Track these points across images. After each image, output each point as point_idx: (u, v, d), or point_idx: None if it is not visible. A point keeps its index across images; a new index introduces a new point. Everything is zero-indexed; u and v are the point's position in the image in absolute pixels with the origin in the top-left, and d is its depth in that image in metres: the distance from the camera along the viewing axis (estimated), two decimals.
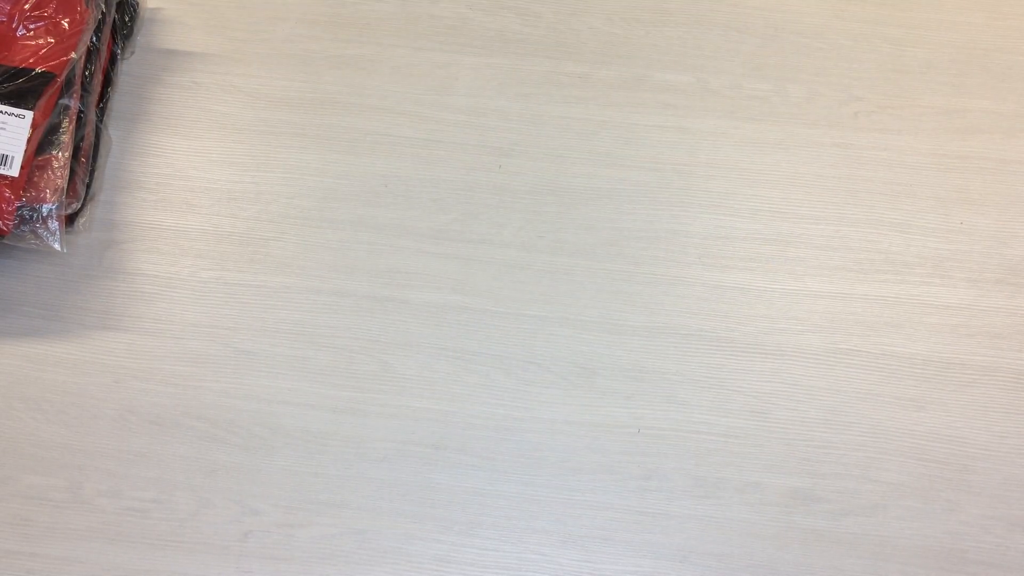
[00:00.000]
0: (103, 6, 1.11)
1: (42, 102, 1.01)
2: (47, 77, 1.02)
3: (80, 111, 1.05)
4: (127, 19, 1.17)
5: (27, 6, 1.05)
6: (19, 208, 0.98)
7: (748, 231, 1.10)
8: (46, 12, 1.05)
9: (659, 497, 0.97)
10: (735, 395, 1.02)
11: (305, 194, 1.11)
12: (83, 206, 1.06)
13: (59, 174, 1.01)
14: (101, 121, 1.12)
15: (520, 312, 1.05)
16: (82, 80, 1.06)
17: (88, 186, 1.07)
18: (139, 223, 1.09)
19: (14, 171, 0.98)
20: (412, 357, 1.03)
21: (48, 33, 1.04)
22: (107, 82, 1.14)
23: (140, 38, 1.20)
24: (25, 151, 0.99)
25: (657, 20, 1.20)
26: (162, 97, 1.17)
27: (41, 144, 1.01)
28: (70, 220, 1.06)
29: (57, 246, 1.00)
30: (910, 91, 1.18)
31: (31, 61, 1.02)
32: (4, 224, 0.97)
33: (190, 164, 1.13)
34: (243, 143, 1.14)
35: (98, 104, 1.11)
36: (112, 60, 1.15)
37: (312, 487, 0.98)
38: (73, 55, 1.04)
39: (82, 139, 1.06)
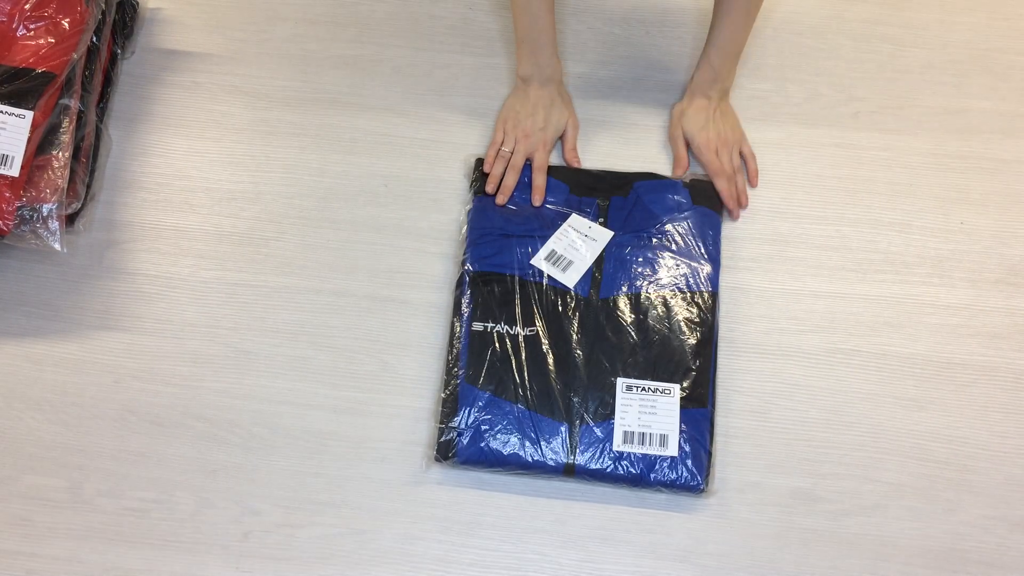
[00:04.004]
0: (103, 6, 1.11)
1: (42, 102, 1.01)
2: (47, 77, 1.02)
3: (80, 111, 1.05)
4: (127, 19, 1.18)
5: (27, 6, 1.05)
6: (19, 208, 0.98)
7: (748, 231, 1.10)
8: (46, 12, 1.05)
9: (659, 497, 0.97)
10: (735, 395, 1.02)
11: (305, 194, 1.11)
12: (83, 206, 1.06)
13: (59, 174, 1.01)
14: (101, 121, 1.12)
15: None
16: (82, 80, 1.06)
17: (88, 186, 1.07)
18: (139, 223, 1.09)
19: (14, 171, 0.98)
20: (412, 357, 1.03)
21: (48, 33, 1.04)
22: (107, 82, 1.14)
23: (140, 38, 1.20)
24: (25, 151, 0.99)
25: (657, 20, 1.20)
26: (162, 97, 1.17)
27: (41, 144, 1.01)
28: (70, 220, 1.06)
29: (57, 246, 1.00)
30: (910, 91, 1.18)
31: (31, 61, 1.02)
32: (4, 224, 0.97)
33: (190, 164, 1.13)
34: (243, 143, 1.14)
35: (98, 104, 1.11)
36: (112, 60, 1.15)
37: (312, 487, 0.98)
38: (73, 55, 1.04)
39: (82, 139, 1.06)
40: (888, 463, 0.99)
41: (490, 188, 1.08)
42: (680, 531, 0.96)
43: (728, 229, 1.09)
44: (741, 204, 1.11)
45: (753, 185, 1.13)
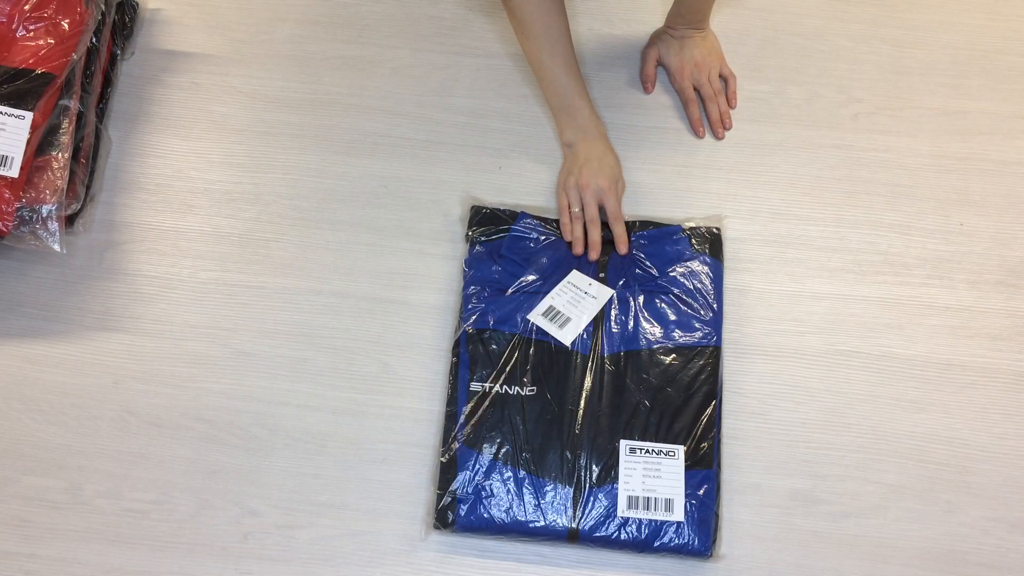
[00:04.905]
0: (103, 7, 1.11)
1: (42, 103, 1.01)
2: (47, 78, 1.02)
3: (80, 112, 1.05)
4: (127, 19, 1.17)
5: (27, 7, 1.05)
6: (19, 209, 0.98)
7: (748, 232, 1.10)
8: (46, 13, 1.05)
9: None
10: (735, 396, 1.02)
11: (305, 195, 1.11)
12: (83, 207, 1.06)
13: (59, 175, 1.01)
14: (101, 122, 1.11)
15: None
16: (82, 81, 1.06)
17: (88, 187, 1.07)
18: (139, 224, 1.09)
19: (14, 172, 0.98)
20: (412, 358, 1.03)
21: (48, 34, 1.04)
22: (107, 83, 1.14)
23: (140, 38, 1.20)
24: (25, 152, 0.99)
25: (657, 22, 1.20)
26: (162, 98, 1.16)
27: (41, 145, 1.01)
28: (70, 221, 1.06)
29: (57, 247, 1.00)
30: (910, 93, 1.18)
31: (31, 62, 1.02)
32: (4, 225, 0.97)
33: (190, 165, 1.13)
34: (243, 144, 1.14)
35: (98, 105, 1.11)
36: (112, 61, 1.15)
37: (312, 488, 0.97)
38: (73, 56, 1.04)
39: (82, 140, 1.06)
40: (888, 465, 0.99)
41: (577, 250, 1.04)
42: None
43: (729, 230, 1.09)
44: (724, 126, 1.15)
45: (732, 106, 1.16)
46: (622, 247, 1.04)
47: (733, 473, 0.98)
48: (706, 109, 1.15)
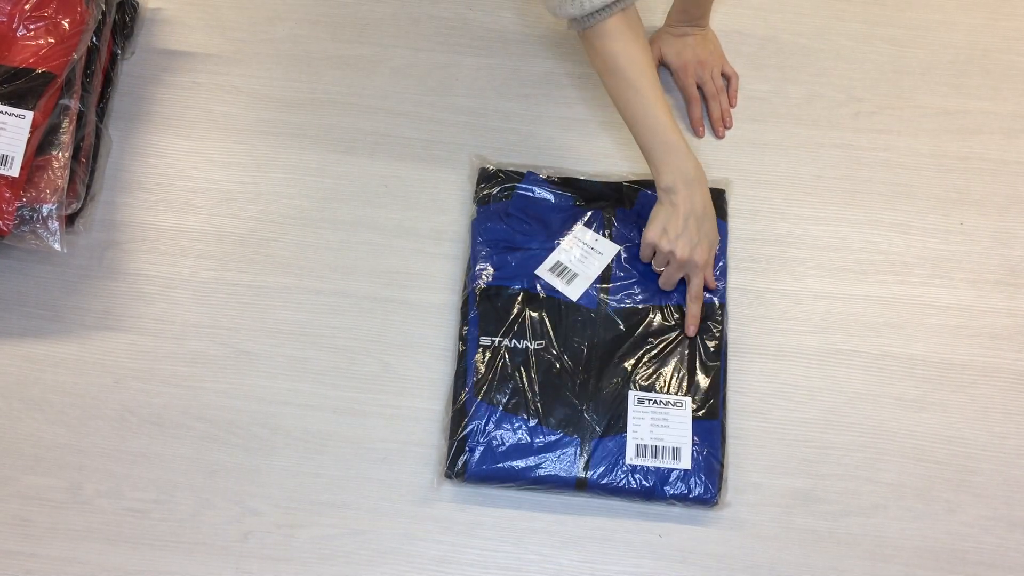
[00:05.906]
0: (103, 6, 1.10)
1: (42, 102, 1.01)
2: (47, 77, 1.02)
3: (80, 111, 1.05)
4: (127, 19, 1.17)
5: (27, 6, 1.05)
6: (19, 208, 0.98)
7: (748, 232, 1.10)
8: (46, 12, 1.05)
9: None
10: (735, 395, 1.02)
11: (305, 194, 1.11)
12: (83, 206, 1.06)
13: (59, 174, 1.01)
14: (101, 121, 1.11)
15: None
16: (82, 80, 1.06)
17: (88, 186, 1.07)
18: (139, 223, 1.09)
19: (14, 171, 0.98)
20: (412, 357, 1.03)
21: (48, 33, 1.04)
22: (107, 82, 1.14)
23: (140, 38, 1.20)
24: (25, 151, 0.99)
25: (657, 22, 1.20)
26: (162, 97, 1.16)
27: (41, 144, 1.01)
28: (70, 220, 1.06)
29: (57, 246, 1.00)
30: (910, 92, 1.18)
31: (31, 61, 1.02)
32: (4, 224, 0.97)
33: (190, 164, 1.13)
34: (243, 143, 1.14)
35: (98, 104, 1.11)
36: (112, 60, 1.15)
37: (312, 487, 0.98)
38: (73, 55, 1.04)
39: (82, 139, 1.06)
40: (888, 464, 0.99)
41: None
42: (679, 532, 0.96)
43: (730, 230, 1.09)
44: (725, 124, 1.15)
45: (733, 104, 1.16)
46: (691, 328, 1.00)
47: (734, 472, 0.98)
48: (708, 107, 1.15)
